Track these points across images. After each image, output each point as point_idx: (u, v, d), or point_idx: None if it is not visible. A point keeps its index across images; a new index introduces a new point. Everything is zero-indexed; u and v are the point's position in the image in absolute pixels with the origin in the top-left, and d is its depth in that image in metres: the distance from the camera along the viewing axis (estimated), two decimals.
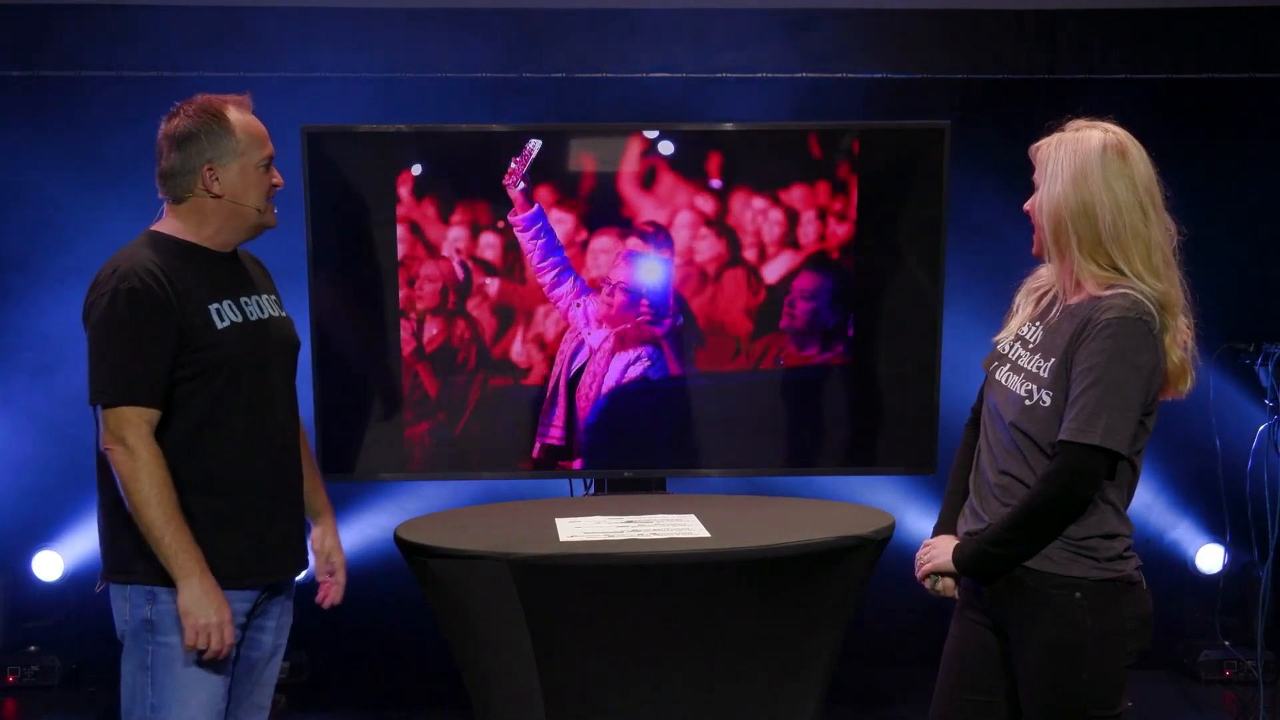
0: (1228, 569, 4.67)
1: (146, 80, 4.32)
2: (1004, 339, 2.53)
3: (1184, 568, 4.78)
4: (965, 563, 2.45)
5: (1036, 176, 2.45)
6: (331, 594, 2.78)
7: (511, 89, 4.50)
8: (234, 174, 2.55)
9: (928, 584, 2.54)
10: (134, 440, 2.41)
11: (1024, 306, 2.53)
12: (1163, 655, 4.65)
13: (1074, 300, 2.42)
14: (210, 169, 2.54)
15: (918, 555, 2.56)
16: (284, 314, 2.72)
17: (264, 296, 2.66)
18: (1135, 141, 2.42)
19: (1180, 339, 2.39)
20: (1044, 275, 2.53)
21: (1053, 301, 2.47)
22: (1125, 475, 2.39)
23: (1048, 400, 2.37)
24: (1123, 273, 2.35)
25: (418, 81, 4.44)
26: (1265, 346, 4.16)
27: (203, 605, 2.42)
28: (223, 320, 2.53)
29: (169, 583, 2.45)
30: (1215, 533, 4.67)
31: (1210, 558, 4.75)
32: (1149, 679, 4.59)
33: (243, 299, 2.59)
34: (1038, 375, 2.39)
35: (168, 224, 2.58)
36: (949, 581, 2.50)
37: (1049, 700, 2.39)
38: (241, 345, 2.54)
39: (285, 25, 4.41)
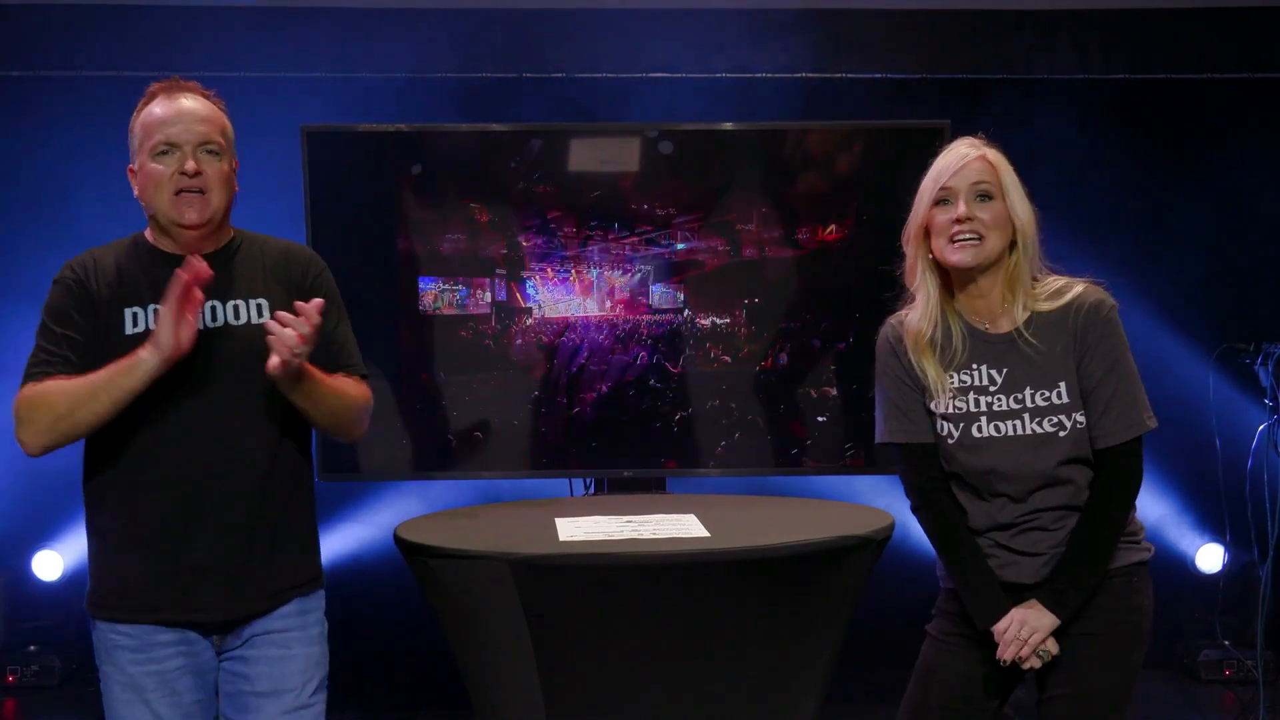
0: (1228, 569, 4.67)
1: (146, 80, 4.31)
2: (943, 400, 2.46)
3: (1184, 567, 4.78)
4: (1071, 610, 2.41)
5: (988, 188, 2.44)
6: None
7: (511, 89, 4.51)
8: (139, 174, 2.39)
9: (1038, 665, 2.43)
10: (16, 401, 2.28)
11: (926, 363, 2.47)
12: (1163, 655, 4.65)
13: (1004, 325, 2.43)
14: (131, 171, 2.42)
15: (1005, 638, 2.42)
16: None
17: (243, 301, 2.40)
18: None
19: None
20: (911, 321, 2.50)
21: (969, 339, 2.45)
22: None
23: (1083, 419, 2.40)
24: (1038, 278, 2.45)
25: (418, 81, 4.44)
26: (1265, 346, 4.17)
27: (160, 343, 2.21)
28: (135, 326, 2.33)
29: (98, 616, 2.42)
30: (1215, 532, 4.67)
31: (1210, 557, 4.75)
32: (1149, 679, 4.57)
33: None
34: (1055, 405, 2.40)
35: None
36: (1051, 642, 2.43)
37: (1106, 681, 2.42)
38: None
39: (286, 25, 4.42)
